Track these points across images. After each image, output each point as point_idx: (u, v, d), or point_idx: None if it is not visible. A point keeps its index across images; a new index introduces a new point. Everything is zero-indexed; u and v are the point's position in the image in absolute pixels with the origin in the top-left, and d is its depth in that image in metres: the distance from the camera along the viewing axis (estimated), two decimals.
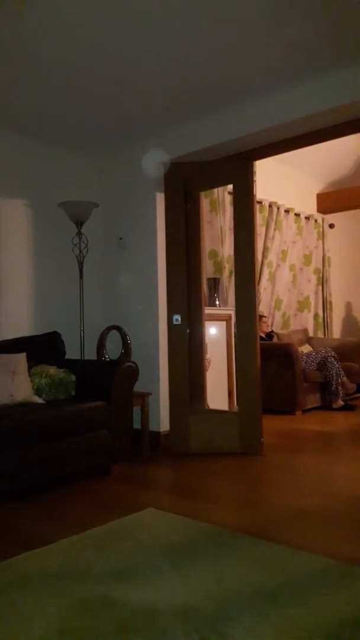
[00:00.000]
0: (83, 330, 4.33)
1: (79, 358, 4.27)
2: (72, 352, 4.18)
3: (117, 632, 1.65)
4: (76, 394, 3.60)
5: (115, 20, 2.71)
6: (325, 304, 7.26)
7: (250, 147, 3.97)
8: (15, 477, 2.93)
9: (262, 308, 6.15)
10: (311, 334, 6.92)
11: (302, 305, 6.95)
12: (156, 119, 3.94)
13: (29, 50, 2.98)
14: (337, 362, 5.76)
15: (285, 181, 6.60)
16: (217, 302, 5.30)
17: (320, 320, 7.20)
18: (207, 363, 4.45)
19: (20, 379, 3.35)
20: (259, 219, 6.08)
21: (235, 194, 4.08)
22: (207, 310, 4.61)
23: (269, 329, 6.06)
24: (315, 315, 7.15)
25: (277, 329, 6.43)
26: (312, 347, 6.33)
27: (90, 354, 4.40)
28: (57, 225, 4.36)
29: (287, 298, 6.70)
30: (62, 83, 3.36)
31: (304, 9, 2.66)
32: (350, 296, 7.81)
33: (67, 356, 4.01)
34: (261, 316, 5.85)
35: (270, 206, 6.33)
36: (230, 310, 5.07)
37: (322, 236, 7.21)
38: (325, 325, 7.26)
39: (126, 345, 4.25)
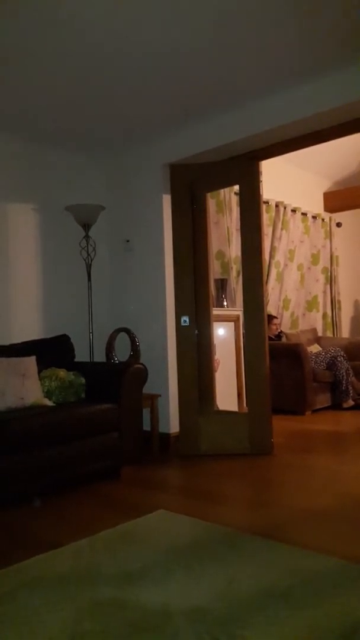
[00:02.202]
0: (92, 332, 4.34)
1: (88, 360, 4.29)
2: (81, 355, 4.19)
3: (128, 635, 1.65)
4: (86, 396, 3.62)
5: (119, 24, 2.73)
6: (334, 303, 7.23)
7: (255, 147, 3.97)
8: (25, 480, 2.95)
9: (271, 308, 6.14)
10: (320, 334, 6.90)
11: (311, 304, 6.93)
12: (161, 121, 3.95)
13: (31, 55, 3.00)
14: (346, 362, 5.74)
15: (292, 181, 6.59)
16: (225, 303, 5.30)
17: (329, 319, 7.18)
18: (215, 364, 4.45)
19: (30, 382, 3.36)
20: (266, 219, 6.07)
21: (241, 194, 4.07)
22: (215, 311, 4.61)
23: (279, 330, 6.04)
24: (324, 315, 7.12)
25: (285, 329, 6.41)
26: (321, 346, 6.31)
27: (100, 357, 4.42)
28: (65, 228, 4.38)
29: (296, 298, 6.69)
30: (67, 87, 3.38)
31: (305, 10, 2.66)
32: (359, 295, 7.77)
33: (76, 359, 4.02)
34: (272, 317, 5.85)
35: (276, 206, 6.32)
36: (239, 311, 5.06)
37: (329, 235, 7.19)
38: (334, 324, 7.23)
39: (135, 348, 4.25)
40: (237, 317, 5.08)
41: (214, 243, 5.44)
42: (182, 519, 2.66)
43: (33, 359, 3.51)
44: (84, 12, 2.62)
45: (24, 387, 3.31)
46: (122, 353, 4.34)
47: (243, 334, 4.28)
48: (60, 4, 2.55)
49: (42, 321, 4.24)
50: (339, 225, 7.32)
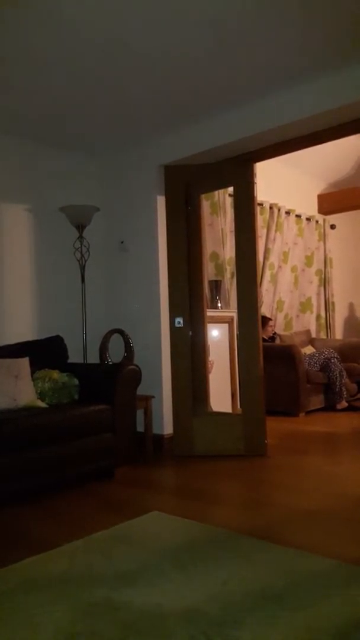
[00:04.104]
0: (85, 334, 4.33)
1: (82, 362, 4.27)
2: (74, 356, 4.18)
3: (123, 636, 1.64)
4: (79, 397, 3.61)
5: (115, 24, 2.72)
6: (328, 305, 7.26)
7: (250, 148, 3.97)
8: (19, 480, 2.93)
9: (264, 310, 6.15)
10: (314, 335, 6.92)
11: (304, 306, 6.94)
12: (156, 121, 3.95)
13: (28, 54, 2.99)
14: (340, 363, 5.75)
15: (286, 182, 6.61)
16: (219, 304, 5.30)
17: (323, 321, 7.20)
18: (209, 365, 4.45)
19: (23, 383, 3.35)
20: (260, 220, 6.09)
21: (236, 196, 4.08)
22: (209, 313, 4.61)
23: (273, 331, 6.05)
24: (318, 317, 7.14)
25: (279, 330, 6.42)
26: (315, 348, 6.32)
27: (93, 358, 4.41)
28: (59, 229, 4.37)
29: (289, 299, 6.70)
30: (62, 86, 3.38)
31: (304, 9, 2.67)
32: (353, 297, 7.80)
33: (70, 360, 4.01)
34: (268, 319, 5.86)
35: (271, 208, 6.33)
36: (233, 312, 5.07)
37: (323, 237, 7.21)
38: (328, 326, 7.26)
39: (129, 349, 4.25)
40: (231, 318, 5.08)
41: (208, 244, 5.45)
42: (176, 520, 2.65)
43: (26, 360, 3.50)
44: (83, 12, 2.61)
45: (17, 388, 3.30)
46: (116, 354, 4.33)
47: (237, 335, 4.28)
48: (59, 5, 2.55)
49: (35, 322, 4.22)
50: (332, 227, 7.34)
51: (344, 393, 5.69)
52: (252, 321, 3.98)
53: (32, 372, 3.53)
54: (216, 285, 5.34)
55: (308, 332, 6.76)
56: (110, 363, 4.23)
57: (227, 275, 5.56)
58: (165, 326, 4.20)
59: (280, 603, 1.80)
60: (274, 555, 2.19)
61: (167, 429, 4.20)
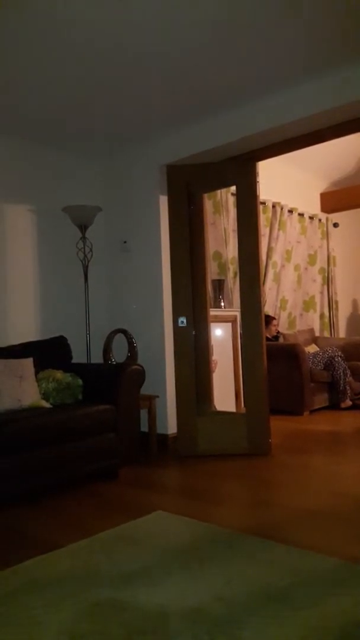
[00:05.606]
0: (89, 334, 4.34)
1: (86, 362, 4.28)
2: (78, 356, 4.19)
3: (127, 636, 1.65)
4: (83, 397, 3.61)
5: (115, 24, 2.72)
6: (331, 304, 7.24)
7: (252, 147, 3.97)
8: (23, 480, 2.94)
9: (268, 309, 6.14)
10: (317, 334, 6.90)
11: (308, 305, 6.93)
12: (158, 121, 3.95)
13: (29, 55, 3.00)
14: (343, 362, 5.74)
15: (289, 181, 6.60)
16: (222, 304, 5.30)
17: (326, 319, 7.19)
18: (213, 364, 4.45)
19: (27, 383, 3.36)
20: (263, 219, 6.08)
21: (238, 195, 4.08)
22: (213, 312, 4.61)
23: (276, 330, 6.04)
24: (321, 315, 7.13)
25: (283, 329, 6.41)
26: (319, 346, 6.31)
27: (97, 358, 4.41)
28: (62, 230, 4.38)
29: (293, 298, 6.69)
30: (64, 87, 3.38)
31: (304, 9, 2.66)
32: (356, 295, 7.78)
33: (73, 360, 4.01)
34: (271, 318, 5.85)
35: (273, 206, 6.32)
36: (236, 312, 5.06)
37: (326, 235, 7.20)
38: (331, 324, 7.24)
39: (132, 349, 4.25)
40: (235, 317, 5.08)
41: (211, 244, 5.45)
42: (180, 519, 2.65)
43: (30, 360, 3.51)
44: (83, 13, 2.62)
45: (21, 388, 3.31)
46: (119, 354, 4.34)
47: (240, 334, 4.27)
48: (59, 5, 2.55)
49: (39, 323, 4.23)
50: (335, 225, 7.33)
51: (348, 391, 5.68)
52: (256, 320, 3.98)
53: (36, 373, 3.54)
54: (219, 285, 5.33)
55: (312, 330, 6.75)
56: (114, 363, 4.23)
57: (230, 274, 5.56)
58: (169, 326, 4.20)
59: (284, 602, 1.80)
60: (278, 555, 2.19)
61: (171, 428, 4.21)
